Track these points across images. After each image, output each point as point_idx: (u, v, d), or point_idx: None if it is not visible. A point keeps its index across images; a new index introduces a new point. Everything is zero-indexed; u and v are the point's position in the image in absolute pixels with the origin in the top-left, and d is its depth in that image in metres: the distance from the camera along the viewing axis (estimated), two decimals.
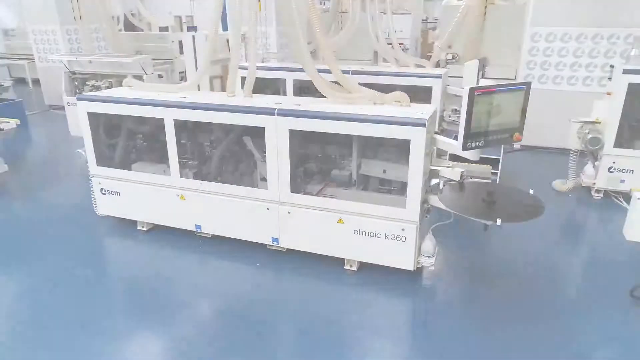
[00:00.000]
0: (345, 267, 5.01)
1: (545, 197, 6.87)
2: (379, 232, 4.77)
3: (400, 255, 4.78)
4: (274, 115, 4.76)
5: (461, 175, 4.75)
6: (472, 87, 4.10)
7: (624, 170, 6.81)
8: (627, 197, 6.85)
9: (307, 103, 4.94)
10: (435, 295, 4.78)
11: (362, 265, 4.98)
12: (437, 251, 4.88)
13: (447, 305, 4.57)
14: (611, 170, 6.84)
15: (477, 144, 4.33)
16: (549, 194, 7.21)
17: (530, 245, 5.65)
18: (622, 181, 6.85)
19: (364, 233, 4.82)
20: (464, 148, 4.27)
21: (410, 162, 4.44)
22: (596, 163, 6.93)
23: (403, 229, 4.67)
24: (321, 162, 5.23)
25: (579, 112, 7.28)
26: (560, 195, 7.21)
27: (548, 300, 4.64)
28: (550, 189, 7.38)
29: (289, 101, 5.05)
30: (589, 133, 6.71)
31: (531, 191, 4.50)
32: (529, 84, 4.34)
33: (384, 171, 4.96)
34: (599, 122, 6.86)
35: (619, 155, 6.80)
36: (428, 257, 4.85)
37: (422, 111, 4.57)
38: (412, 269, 4.77)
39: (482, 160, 7.17)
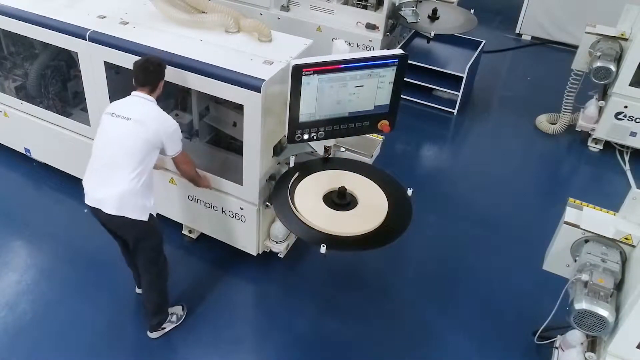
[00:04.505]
0: (183, 232, 4.48)
1: (523, 139, 5.98)
2: (215, 204, 4.05)
3: (241, 236, 4.18)
4: (86, 40, 3.90)
5: (326, 150, 3.88)
6: (297, 65, 3.10)
7: (638, 120, 5.28)
8: (635, 155, 5.47)
9: (136, 25, 3.99)
10: (277, 289, 4.29)
11: (206, 236, 4.44)
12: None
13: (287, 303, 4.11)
14: (620, 117, 5.32)
15: (313, 135, 3.32)
16: (530, 135, 5.87)
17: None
18: (633, 134, 5.41)
19: (199, 201, 4.12)
20: (291, 140, 3.41)
21: (245, 134, 3.63)
22: (600, 103, 5.37)
23: (242, 208, 3.98)
24: (160, 99, 4.24)
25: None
26: (544, 138, 5.86)
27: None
28: (532, 127, 5.98)
29: (115, 19, 4.02)
30: (599, 57, 5.06)
31: (409, 191, 3.47)
32: (404, 57, 3.11)
33: (235, 124, 3.98)
34: (625, 39, 5.17)
35: (634, 97, 5.27)
36: (277, 242, 4.16)
37: (274, 59, 3.59)
38: (254, 254, 4.19)
39: (443, 76, 5.98)
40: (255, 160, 3.66)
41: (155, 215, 3.44)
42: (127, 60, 3.73)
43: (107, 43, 3.79)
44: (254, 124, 3.50)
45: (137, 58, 3.66)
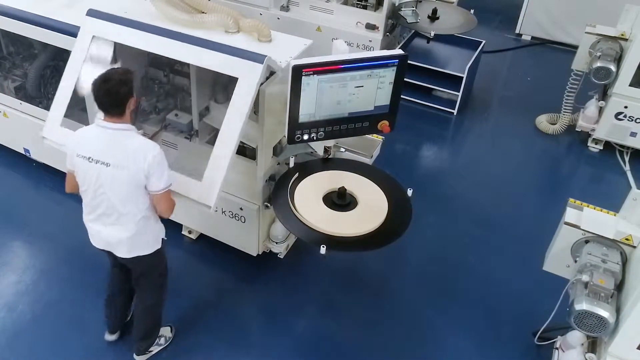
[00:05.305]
0: (182, 233, 4.47)
1: (523, 140, 6.00)
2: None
3: (241, 236, 4.18)
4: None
5: (326, 150, 3.87)
6: (297, 65, 3.11)
7: (638, 120, 5.27)
8: (635, 156, 5.46)
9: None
10: (277, 290, 4.24)
11: (206, 236, 4.45)
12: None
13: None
14: (620, 117, 5.31)
15: (313, 135, 3.31)
16: (530, 135, 5.86)
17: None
18: (633, 134, 5.41)
19: None
20: (291, 141, 3.45)
21: (226, 118, 3.28)
22: (600, 103, 5.37)
23: (242, 209, 3.89)
24: (159, 99, 4.26)
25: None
26: (544, 138, 5.85)
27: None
28: (532, 127, 5.97)
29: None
30: (599, 57, 5.05)
31: (409, 191, 3.46)
32: (404, 57, 3.12)
33: None
34: (625, 39, 5.17)
35: (634, 97, 5.27)
36: (277, 243, 4.18)
37: (274, 59, 3.50)
38: (254, 255, 4.20)
39: (443, 76, 5.96)
40: (228, 149, 3.24)
41: (165, 238, 3.28)
42: (119, 36, 3.68)
43: (102, 16, 3.73)
44: (242, 104, 3.21)
45: (132, 32, 3.57)
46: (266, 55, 3.25)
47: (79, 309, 3.95)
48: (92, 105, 4.08)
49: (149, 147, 2.89)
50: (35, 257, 4.35)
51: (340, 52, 3.40)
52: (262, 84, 3.35)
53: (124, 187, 2.89)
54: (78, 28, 3.88)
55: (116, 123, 2.86)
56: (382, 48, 6.08)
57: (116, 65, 3.64)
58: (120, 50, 4.07)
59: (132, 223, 3.00)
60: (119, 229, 3.02)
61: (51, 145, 3.83)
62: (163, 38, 3.51)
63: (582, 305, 2.91)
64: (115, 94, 2.79)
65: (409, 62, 3.58)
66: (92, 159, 2.87)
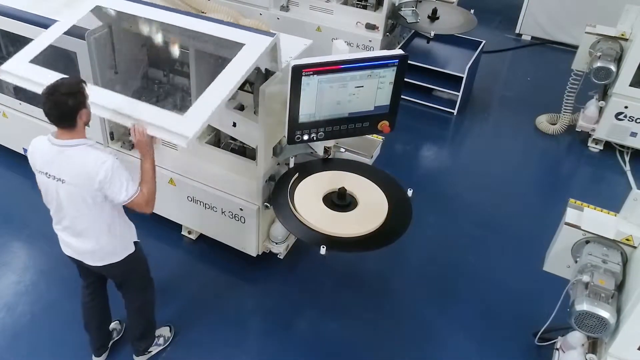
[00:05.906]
0: (182, 233, 4.47)
1: (523, 140, 6.04)
2: (214, 205, 4.02)
3: (241, 237, 4.17)
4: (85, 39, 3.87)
5: (326, 150, 3.84)
6: (297, 65, 3.08)
7: (638, 120, 5.26)
8: (635, 156, 5.45)
9: None
10: (277, 290, 4.23)
11: (205, 236, 4.43)
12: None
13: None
14: (620, 117, 5.29)
15: (313, 135, 3.31)
16: (530, 135, 5.85)
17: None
18: (633, 134, 5.39)
19: (198, 202, 4.10)
20: (291, 141, 3.43)
21: (230, 65, 3.13)
22: (600, 103, 5.36)
23: (241, 209, 3.90)
24: (159, 99, 4.26)
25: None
26: (544, 138, 5.84)
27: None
28: (532, 127, 5.96)
29: None
30: (599, 57, 5.04)
31: (409, 191, 3.45)
32: (404, 57, 3.12)
33: (234, 124, 3.95)
34: (625, 39, 5.16)
35: (635, 97, 5.26)
36: (277, 243, 4.18)
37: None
38: (254, 255, 4.19)
39: (443, 77, 5.95)
40: (221, 93, 3.02)
41: (138, 240, 3.19)
42: (123, 6, 3.64)
43: None
44: (244, 62, 3.09)
45: (137, 4, 3.53)
46: (277, 33, 3.23)
47: (78, 309, 3.93)
48: None
49: (99, 162, 2.72)
50: (35, 258, 4.34)
51: (340, 52, 3.39)
52: (262, 72, 3.36)
53: (81, 203, 2.81)
54: (78, 28, 3.88)
55: (67, 139, 2.73)
56: (382, 48, 6.08)
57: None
58: (119, 49, 4.08)
59: (96, 236, 2.94)
60: (84, 240, 2.97)
61: (10, 81, 3.55)
62: (168, 11, 3.50)
63: (582, 305, 2.90)
64: (63, 106, 2.63)
65: (409, 62, 3.57)
66: (50, 175, 2.79)
